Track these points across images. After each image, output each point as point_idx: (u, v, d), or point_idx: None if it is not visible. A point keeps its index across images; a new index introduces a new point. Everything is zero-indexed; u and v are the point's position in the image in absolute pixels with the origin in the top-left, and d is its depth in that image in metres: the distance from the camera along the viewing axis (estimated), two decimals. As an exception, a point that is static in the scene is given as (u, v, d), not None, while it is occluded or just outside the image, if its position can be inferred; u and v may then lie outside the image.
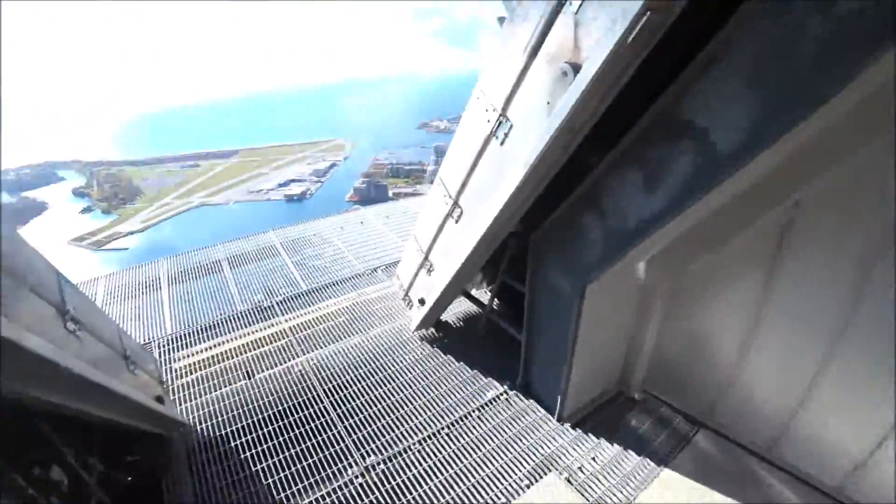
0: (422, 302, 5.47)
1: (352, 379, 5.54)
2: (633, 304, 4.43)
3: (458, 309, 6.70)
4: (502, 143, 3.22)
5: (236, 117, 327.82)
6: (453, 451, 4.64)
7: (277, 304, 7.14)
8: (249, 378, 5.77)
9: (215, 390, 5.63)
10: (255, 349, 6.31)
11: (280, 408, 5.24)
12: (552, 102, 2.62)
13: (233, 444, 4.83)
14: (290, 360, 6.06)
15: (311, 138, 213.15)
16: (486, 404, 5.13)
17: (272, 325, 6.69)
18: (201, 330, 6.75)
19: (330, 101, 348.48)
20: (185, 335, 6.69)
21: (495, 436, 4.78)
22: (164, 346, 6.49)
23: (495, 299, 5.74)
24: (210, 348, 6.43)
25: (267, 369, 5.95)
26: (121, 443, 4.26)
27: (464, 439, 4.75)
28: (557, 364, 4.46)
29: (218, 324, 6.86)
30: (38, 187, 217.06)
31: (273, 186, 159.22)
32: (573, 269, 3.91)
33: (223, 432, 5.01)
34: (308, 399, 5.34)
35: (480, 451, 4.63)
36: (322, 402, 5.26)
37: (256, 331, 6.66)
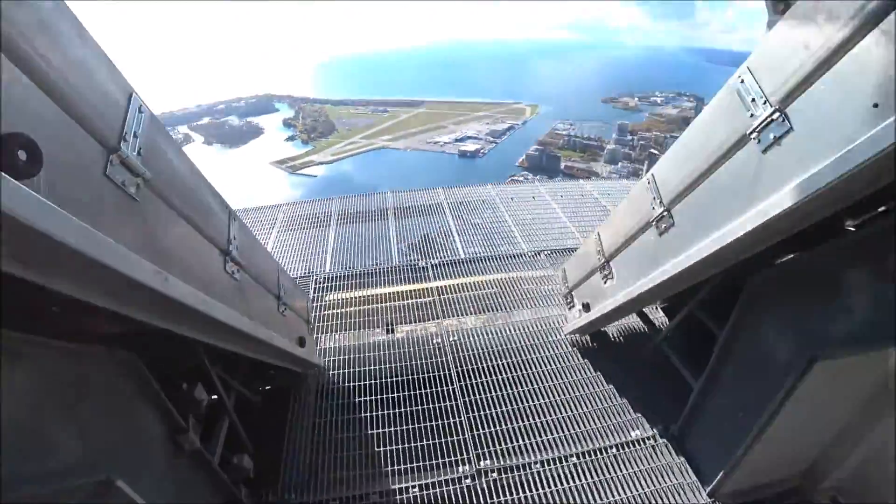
0: (586, 307, 4.71)
1: (488, 368, 5.14)
2: (866, 393, 3.18)
3: (623, 322, 5.67)
4: (767, 148, 2.22)
5: (431, 70, 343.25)
6: (575, 486, 3.99)
7: (433, 266, 6.97)
8: (389, 333, 5.73)
9: (355, 339, 5.67)
10: (400, 300, 6.33)
11: (410, 377, 5.07)
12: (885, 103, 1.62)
13: (357, 400, 4.82)
14: (431, 321, 5.94)
15: (495, 98, 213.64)
16: (627, 444, 4.33)
17: (422, 283, 6.63)
18: (356, 275, 6.88)
19: (523, 63, 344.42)
20: (340, 276, 6.87)
21: (628, 486, 3.99)
22: (318, 284, 6.72)
23: (674, 328, 4.68)
24: (360, 294, 6.51)
25: (407, 324, 5.90)
26: (260, 370, 4.49)
27: (590, 477, 4.06)
28: (733, 432, 3.42)
29: (373, 272, 6.94)
30: (258, 115, 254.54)
31: (449, 140, 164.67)
32: (804, 334, 2.83)
33: (352, 384, 5.03)
34: (439, 376, 5.07)
35: (605, 498, 3.91)
36: (452, 384, 4.97)
37: (406, 284, 6.67)
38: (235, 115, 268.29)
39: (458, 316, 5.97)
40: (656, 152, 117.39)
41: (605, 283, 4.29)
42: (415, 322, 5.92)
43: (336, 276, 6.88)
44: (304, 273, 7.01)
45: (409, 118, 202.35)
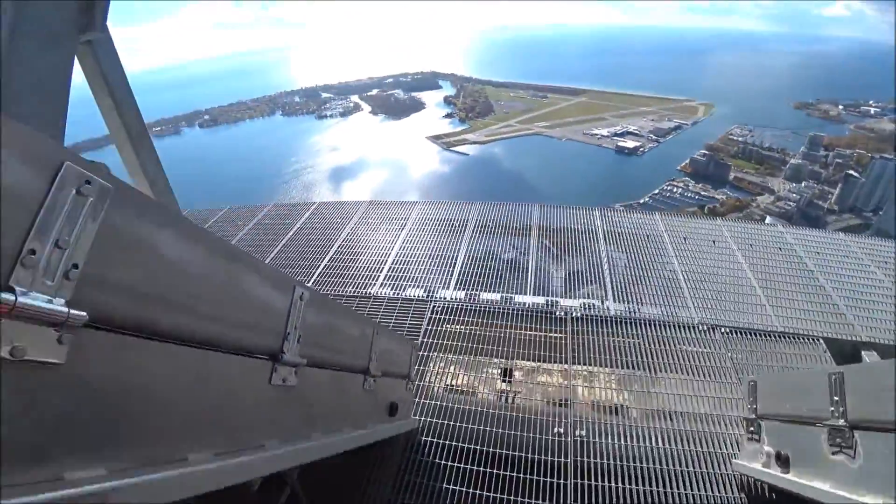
0: (782, 461, 3.24)
1: (617, 470, 4.11)
2: None
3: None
4: None
5: (597, 57, 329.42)
6: None
7: (573, 319, 5.65)
8: (505, 382, 5.09)
9: (465, 383, 5.08)
10: (526, 336, 5.51)
11: (517, 452, 4.31)
12: None
13: (448, 465, 4.22)
14: (556, 364, 5.21)
15: (664, 93, 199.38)
16: None
17: (556, 332, 5.54)
18: (480, 310, 5.95)
19: (703, 54, 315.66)
20: (462, 308, 6.01)
21: None
22: (436, 313, 5.98)
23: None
24: (480, 332, 5.66)
25: (526, 360, 5.26)
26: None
27: None
28: None
29: (499, 310, 5.90)
30: (422, 90, 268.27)
31: (608, 134, 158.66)
32: None
33: (448, 443, 4.44)
34: (552, 463, 4.24)
35: None
36: (565, 478, 4.09)
37: (536, 331, 5.59)
38: (401, 88, 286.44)
39: (590, 364, 5.12)
40: (855, 175, 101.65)
41: (835, 454, 2.74)
42: (537, 361, 5.25)
43: (457, 307, 6.00)
44: (423, 294, 6.36)
45: (569, 106, 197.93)
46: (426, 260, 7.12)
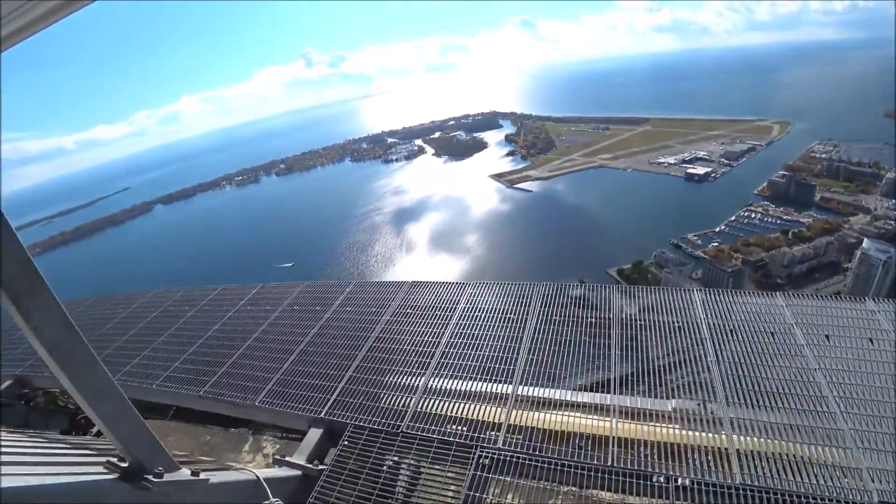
0: None
1: None
2: None
3: None
4: None
5: (657, 83, 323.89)
6: None
7: (681, 488, 3.92)
8: None
9: None
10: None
11: None
12: None
13: None
14: None
15: (734, 115, 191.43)
16: None
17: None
18: (549, 464, 4.40)
19: (773, 71, 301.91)
20: (521, 460, 4.49)
21: None
22: (483, 465, 4.52)
23: None
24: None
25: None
26: None
27: None
28: None
29: (575, 467, 4.33)
30: (483, 130, 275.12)
31: (675, 161, 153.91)
32: None
33: None
34: None
35: None
36: None
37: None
38: (463, 130, 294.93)
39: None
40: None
41: None
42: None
43: (510, 460, 4.52)
44: (469, 437, 4.86)
45: (632, 136, 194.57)
46: (475, 370, 5.67)
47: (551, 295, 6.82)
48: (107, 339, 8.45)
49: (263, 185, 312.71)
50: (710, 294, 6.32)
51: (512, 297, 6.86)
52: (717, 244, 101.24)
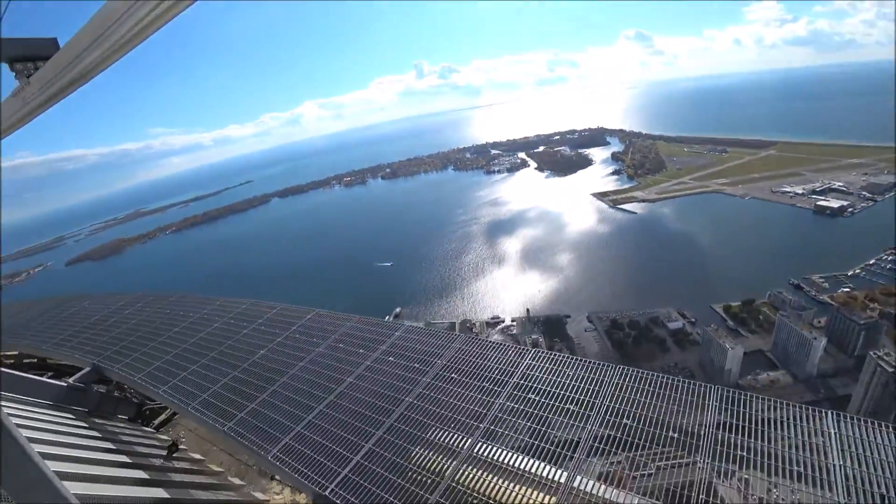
0: None
1: None
2: None
3: None
4: None
5: (786, 102, 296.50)
6: None
7: None
8: None
9: None
10: None
11: None
12: None
13: None
14: None
15: (882, 142, 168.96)
16: None
17: None
18: None
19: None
20: None
21: None
22: None
23: None
24: None
25: None
26: None
27: None
28: None
29: None
30: (589, 147, 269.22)
31: (804, 191, 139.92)
32: None
33: None
34: None
35: None
36: None
37: None
38: (568, 145, 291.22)
39: None
40: None
41: None
42: None
43: None
44: None
45: (754, 161, 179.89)
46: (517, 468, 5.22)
47: (627, 383, 5.78)
48: (174, 342, 9.18)
49: (370, 186, 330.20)
50: (851, 425, 4.84)
51: (577, 376, 5.92)
52: (848, 289, 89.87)
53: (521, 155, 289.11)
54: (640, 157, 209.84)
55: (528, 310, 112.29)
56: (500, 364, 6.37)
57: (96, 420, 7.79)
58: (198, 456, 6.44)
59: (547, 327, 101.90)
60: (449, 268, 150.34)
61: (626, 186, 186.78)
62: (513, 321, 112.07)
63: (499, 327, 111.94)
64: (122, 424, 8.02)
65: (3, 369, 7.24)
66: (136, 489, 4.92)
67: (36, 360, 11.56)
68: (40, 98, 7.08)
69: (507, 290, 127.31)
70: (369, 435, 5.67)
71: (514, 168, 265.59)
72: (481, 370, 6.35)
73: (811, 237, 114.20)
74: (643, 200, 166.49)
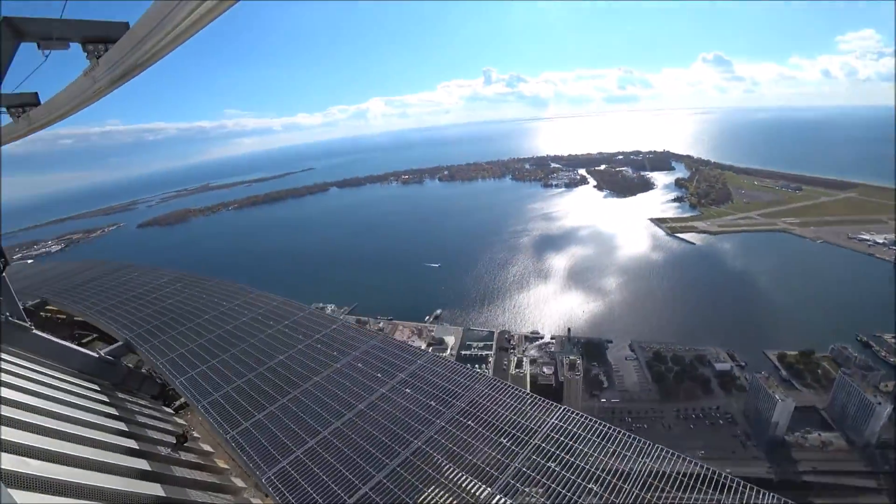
0: None
1: None
2: None
3: None
4: None
5: (875, 145, 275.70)
6: None
7: None
8: None
9: None
10: None
11: None
12: None
13: None
14: None
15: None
16: None
17: None
18: None
19: None
20: None
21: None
22: None
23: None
24: None
25: None
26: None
27: None
28: None
29: None
30: (653, 170, 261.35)
31: (885, 241, 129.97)
32: None
33: None
34: None
35: None
36: None
37: None
38: (631, 166, 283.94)
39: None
40: None
41: None
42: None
43: None
44: None
45: (830, 202, 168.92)
46: None
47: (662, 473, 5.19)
48: (201, 329, 9.47)
49: (426, 186, 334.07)
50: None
51: (605, 448, 5.29)
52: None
53: (582, 171, 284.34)
54: (705, 186, 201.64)
55: (569, 329, 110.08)
56: (523, 418, 5.84)
57: (119, 395, 8.06)
58: (208, 447, 6.39)
59: (587, 349, 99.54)
60: (494, 276, 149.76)
61: (687, 215, 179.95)
62: (552, 338, 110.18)
63: (537, 343, 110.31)
64: (143, 402, 8.27)
65: (37, 332, 7.59)
66: (136, 483, 4.97)
67: (83, 321, 12.23)
68: (108, 78, 7.45)
69: (549, 307, 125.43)
70: (368, 477, 5.28)
71: (572, 184, 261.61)
72: (502, 422, 5.85)
73: (887, 292, 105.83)
74: (703, 231, 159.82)
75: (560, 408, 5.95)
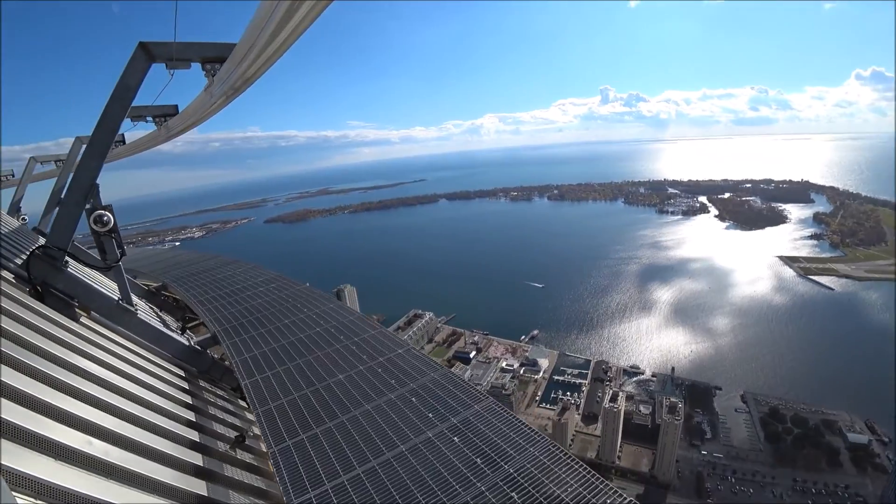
0: None
1: None
2: None
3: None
4: None
5: None
6: None
7: None
8: None
9: None
10: None
11: None
12: None
13: None
14: None
15: None
16: None
17: None
18: None
19: None
20: None
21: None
22: None
23: None
24: None
25: None
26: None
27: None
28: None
29: None
30: (787, 201, 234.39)
31: None
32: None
33: None
34: None
35: None
36: None
37: None
38: (760, 196, 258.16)
39: None
40: None
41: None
42: None
43: None
44: None
45: None
46: None
47: None
48: (279, 334, 9.37)
49: (534, 204, 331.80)
50: None
51: None
52: None
53: (702, 199, 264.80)
54: (852, 224, 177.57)
55: (672, 369, 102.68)
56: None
57: (201, 383, 8.83)
58: (265, 448, 6.54)
59: (690, 393, 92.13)
60: (594, 302, 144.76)
61: (826, 255, 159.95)
62: (653, 376, 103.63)
63: (635, 378, 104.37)
64: (220, 393, 8.95)
65: (141, 317, 8.58)
66: (185, 478, 5.26)
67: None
68: (221, 93, 8.27)
69: (651, 341, 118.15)
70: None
71: (690, 212, 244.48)
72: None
73: None
74: (846, 276, 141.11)
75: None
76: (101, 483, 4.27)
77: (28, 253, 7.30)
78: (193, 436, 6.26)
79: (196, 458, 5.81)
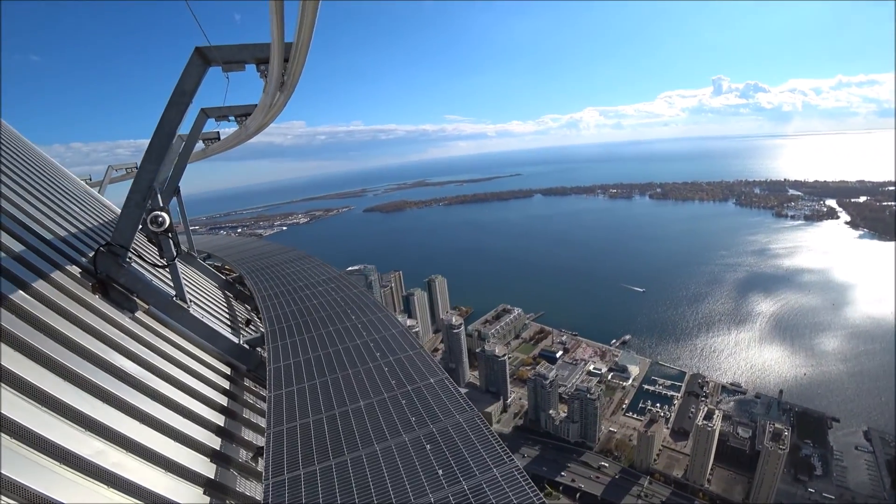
0: None
1: None
2: None
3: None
4: None
5: None
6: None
7: None
8: None
9: None
10: None
11: None
12: None
13: None
14: None
15: None
16: None
17: None
18: None
19: None
20: None
21: None
22: None
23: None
24: None
25: None
26: None
27: None
28: None
29: None
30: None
31: None
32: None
33: None
34: None
35: None
36: None
37: None
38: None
39: None
40: None
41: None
42: None
43: None
44: None
45: None
46: None
47: None
48: (321, 343, 8.81)
49: (634, 202, 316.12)
50: None
51: None
52: None
53: (830, 202, 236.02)
54: None
55: (780, 391, 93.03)
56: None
57: (245, 382, 9.07)
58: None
59: (800, 422, 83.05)
60: (692, 310, 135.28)
61: None
62: (757, 396, 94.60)
63: (736, 397, 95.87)
64: (263, 392, 9.05)
65: (193, 313, 8.90)
66: (193, 491, 5.36)
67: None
68: (272, 91, 8.37)
69: (753, 357, 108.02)
70: None
71: (814, 216, 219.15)
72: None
73: None
74: None
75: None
76: (100, 488, 4.33)
77: (94, 250, 7.81)
78: (216, 444, 6.32)
79: (210, 471, 5.82)
